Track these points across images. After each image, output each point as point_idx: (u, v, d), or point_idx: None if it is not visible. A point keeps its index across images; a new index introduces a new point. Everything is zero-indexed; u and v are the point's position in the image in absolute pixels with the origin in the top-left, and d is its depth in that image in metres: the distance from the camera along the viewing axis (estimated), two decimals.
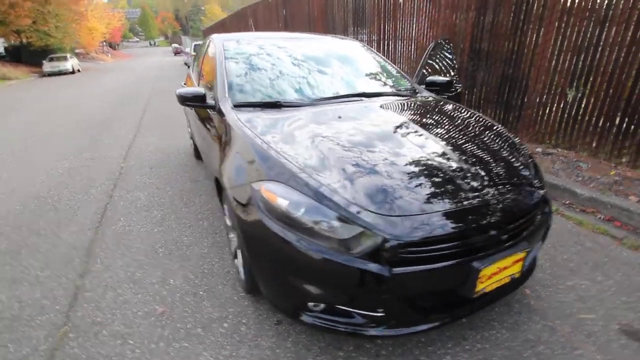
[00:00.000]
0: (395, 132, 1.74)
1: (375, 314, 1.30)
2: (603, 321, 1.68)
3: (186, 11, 68.99)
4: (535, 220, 1.49)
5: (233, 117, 1.85)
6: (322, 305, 1.34)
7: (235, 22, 17.92)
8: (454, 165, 1.48)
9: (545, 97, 4.02)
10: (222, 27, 22.33)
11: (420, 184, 1.37)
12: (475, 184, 1.41)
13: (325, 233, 1.24)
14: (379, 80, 2.54)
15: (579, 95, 3.68)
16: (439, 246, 1.23)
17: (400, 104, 2.16)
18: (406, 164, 1.46)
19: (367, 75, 2.55)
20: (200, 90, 2.11)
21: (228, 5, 58.89)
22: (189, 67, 19.16)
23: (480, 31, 4.58)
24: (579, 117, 3.71)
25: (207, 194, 3.17)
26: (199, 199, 3.08)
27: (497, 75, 4.50)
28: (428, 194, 1.33)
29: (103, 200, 3.12)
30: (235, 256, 2.00)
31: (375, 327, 1.31)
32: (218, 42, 2.55)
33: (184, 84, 3.91)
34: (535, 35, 3.96)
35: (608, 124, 3.46)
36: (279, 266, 1.37)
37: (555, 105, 3.93)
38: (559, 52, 3.76)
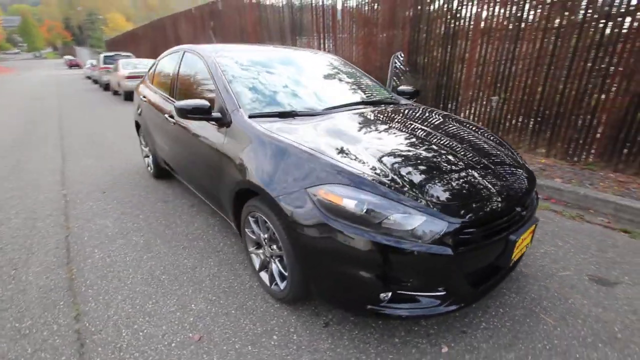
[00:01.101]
0: (417, 132, 1.95)
1: (438, 294, 1.45)
2: (576, 275, 2.11)
3: (80, 20, 61.38)
4: (535, 197, 1.83)
5: (256, 127, 1.84)
6: (389, 295, 1.44)
7: (151, 34, 16.71)
8: (478, 157, 1.74)
9: (474, 103, 4.75)
10: (133, 38, 20.57)
11: (463, 175, 1.59)
12: (500, 170, 1.69)
13: (393, 226, 1.35)
14: (368, 89, 2.73)
15: (501, 100, 4.46)
16: (489, 225, 1.45)
17: (404, 110, 2.36)
18: (444, 159, 1.67)
19: (357, 85, 2.73)
20: (204, 102, 2.02)
21: (132, 16, 54.32)
22: (96, 81, 17.23)
23: (415, 46, 5.21)
24: (502, 119, 4.49)
25: (186, 213, 2.96)
26: (180, 219, 2.86)
27: (432, 84, 5.15)
28: (472, 182, 1.55)
29: (59, 233, 2.68)
30: (262, 269, 1.97)
31: (445, 305, 1.46)
32: (207, 55, 2.44)
33: (139, 110, 3.58)
34: (463, 50, 4.67)
35: (525, 123, 4.27)
36: (347, 264, 1.43)
37: (483, 109, 4.67)
38: (483, 65, 4.50)
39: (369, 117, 2.15)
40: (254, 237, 1.95)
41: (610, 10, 3.39)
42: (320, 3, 6.64)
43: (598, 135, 3.68)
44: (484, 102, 4.62)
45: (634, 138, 3.42)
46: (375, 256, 1.36)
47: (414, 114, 2.31)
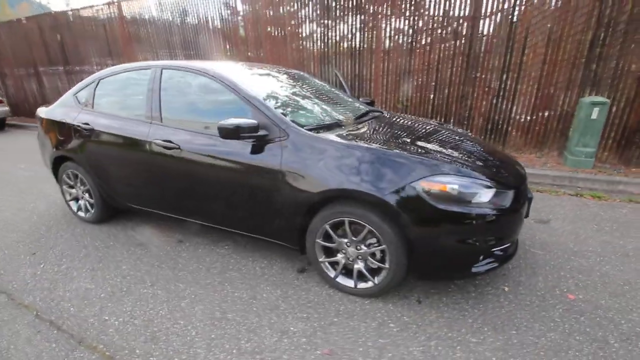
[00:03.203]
0: (436, 133, 2.41)
1: (505, 246, 1.92)
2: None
3: None
4: None
5: (333, 138, 1.94)
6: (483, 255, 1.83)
7: None
8: (484, 150, 2.31)
9: (386, 109, 5.69)
10: None
11: (490, 159, 2.12)
12: (501, 157, 2.30)
13: (481, 200, 1.75)
14: (356, 101, 3.05)
15: (405, 107, 5.51)
16: (521, 190, 2.01)
17: (398, 117, 2.79)
18: (473, 149, 2.18)
19: (346, 98, 3.00)
20: (253, 120, 1.95)
21: None
22: None
23: (326, 58, 5.81)
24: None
25: (184, 250, 2.60)
26: (182, 257, 2.50)
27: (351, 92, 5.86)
28: (497, 165, 2.08)
29: (22, 313, 1.96)
30: (343, 272, 2.04)
31: (507, 255, 1.94)
32: (219, 73, 2.28)
33: (68, 145, 2.86)
34: (370, 63, 5.53)
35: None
36: (455, 238, 1.74)
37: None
38: (387, 76, 5.46)
39: (392, 121, 2.52)
40: (331, 246, 2.01)
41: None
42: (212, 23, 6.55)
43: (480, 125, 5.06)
44: (393, 110, 5.60)
45: (496, 127, 4.89)
46: (478, 225, 1.73)
47: (405, 119, 2.79)
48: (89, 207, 3.04)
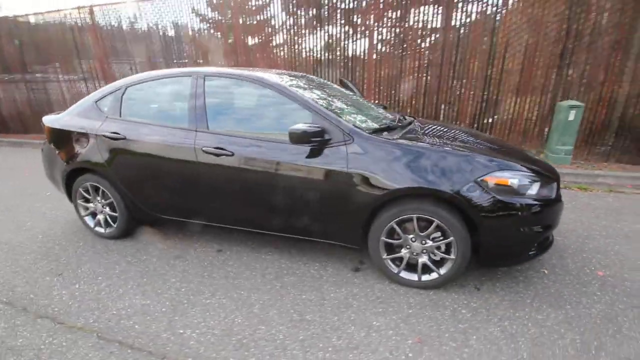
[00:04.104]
0: (472, 135, 2.63)
1: (550, 232, 2.16)
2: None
3: None
4: None
5: (401, 141, 2.08)
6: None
7: None
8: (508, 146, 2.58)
9: None
10: None
11: (530, 160, 2.37)
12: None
13: (531, 192, 1.96)
14: (376, 106, 3.21)
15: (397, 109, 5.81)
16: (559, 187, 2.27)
17: (428, 122, 3.00)
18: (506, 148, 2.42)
19: (370, 104, 3.13)
20: (318, 126, 2.02)
21: None
22: None
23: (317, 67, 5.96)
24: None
25: (231, 259, 2.56)
26: (229, 266, 2.46)
27: None
28: (538, 163, 2.32)
29: (81, 336, 1.83)
30: (406, 266, 2.16)
31: (550, 241, 2.18)
32: (269, 80, 2.32)
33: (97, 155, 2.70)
34: (363, 71, 5.77)
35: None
36: (515, 227, 1.93)
37: None
38: (379, 83, 5.73)
39: (429, 125, 2.71)
40: (395, 242, 2.12)
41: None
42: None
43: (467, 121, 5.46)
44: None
45: (481, 128, 5.33)
46: (533, 214, 1.93)
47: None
48: (110, 222, 2.86)
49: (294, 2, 5.78)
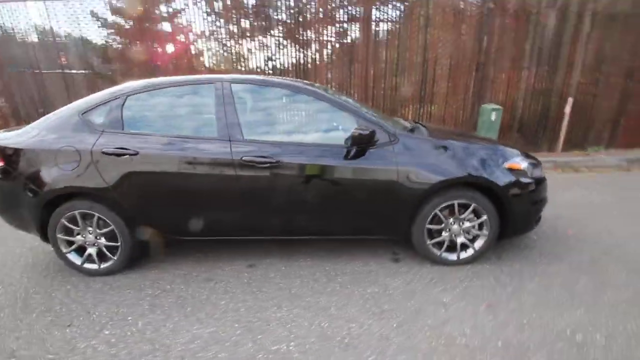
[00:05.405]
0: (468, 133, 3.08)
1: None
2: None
3: None
4: None
5: (440, 140, 2.38)
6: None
7: None
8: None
9: None
10: None
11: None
12: None
13: (529, 171, 2.47)
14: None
15: None
16: None
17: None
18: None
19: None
20: (368, 129, 2.16)
21: None
22: None
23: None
24: None
25: (270, 270, 2.46)
26: (280, 275, 2.37)
27: None
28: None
29: None
30: (447, 247, 2.44)
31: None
32: (302, 87, 2.36)
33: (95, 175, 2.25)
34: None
35: None
36: (530, 202, 2.40)
37: None
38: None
39: (435, 126, 3.08)
40: (438, 227, 2.39)
41: None
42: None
43: None
44: None
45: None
46: (537, 190, 2.43)
47: None
48: (108, 255, 2.43)
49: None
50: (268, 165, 2.22)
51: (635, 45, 5.70)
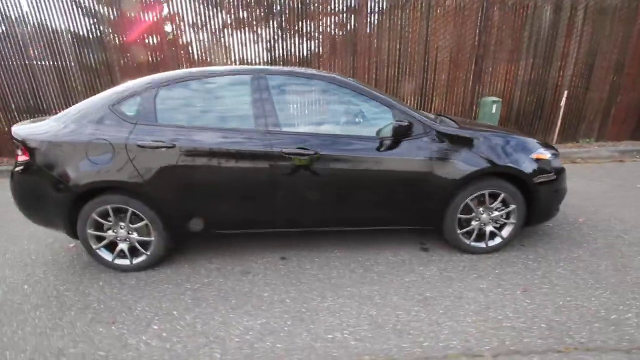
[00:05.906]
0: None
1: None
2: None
3: None
4: None
5: (473, 131, 2.46)
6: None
7: None
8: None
9: None
10: None
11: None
12: None
13: (555, 163, 2.59)
14: None
15: None
16: None
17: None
18: None
19: None
20: (406, 121, 2.20)
21: None
22: None
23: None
24: None
25: (304, 263, 2.48)
26: (316, 266, 2.40)
27: None
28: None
29: None
30: (476, 235, 2.53)
31: None
32: (340, 80, 2.37)
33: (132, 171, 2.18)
34: None
35: None
36: (552, 190, 2.51)
37: None
38: None
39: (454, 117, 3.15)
40: (468, 217, 2.47)
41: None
42: None
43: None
44: None
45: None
46: (558, 179, 2.53)
47: None
48: (141, 250, 2.39)
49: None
50: (307, 157, 2.23)
51: (625, 38, 5.95)
